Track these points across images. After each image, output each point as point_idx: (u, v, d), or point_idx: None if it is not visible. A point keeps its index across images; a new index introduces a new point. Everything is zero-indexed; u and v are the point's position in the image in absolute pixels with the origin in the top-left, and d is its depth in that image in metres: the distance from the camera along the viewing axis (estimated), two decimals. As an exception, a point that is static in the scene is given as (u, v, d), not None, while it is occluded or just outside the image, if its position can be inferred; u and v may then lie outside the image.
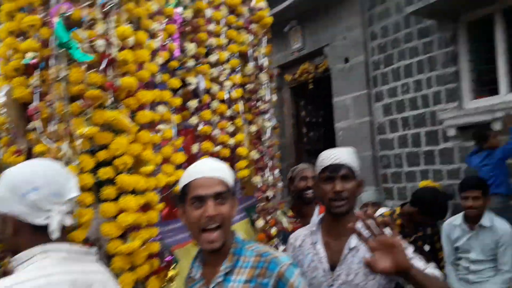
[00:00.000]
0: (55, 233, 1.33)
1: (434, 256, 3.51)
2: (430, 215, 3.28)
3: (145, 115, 1.93)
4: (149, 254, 1.86)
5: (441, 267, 3.56)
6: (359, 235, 1.67)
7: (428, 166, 5.40)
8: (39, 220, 1.33)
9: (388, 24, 5.79)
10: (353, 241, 1.96)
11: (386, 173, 5.89)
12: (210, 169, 1.54)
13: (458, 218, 3.56)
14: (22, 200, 1.31)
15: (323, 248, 1.93)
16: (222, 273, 1.52)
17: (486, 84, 5.11)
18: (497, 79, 4.94)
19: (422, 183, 4.88)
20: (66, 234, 1.45)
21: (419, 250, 3.61)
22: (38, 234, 1.34)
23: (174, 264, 1.97)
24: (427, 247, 3.50)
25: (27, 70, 1.81)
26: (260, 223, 2.62)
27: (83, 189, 1.73)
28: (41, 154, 1.78)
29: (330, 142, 6.89)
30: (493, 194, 3.96)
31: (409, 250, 1.75)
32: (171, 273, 1.94)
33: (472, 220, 3.44)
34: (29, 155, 1.94)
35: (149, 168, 1.91)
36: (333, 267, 1.88)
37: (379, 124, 5.93)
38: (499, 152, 4.48)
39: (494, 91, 5.01)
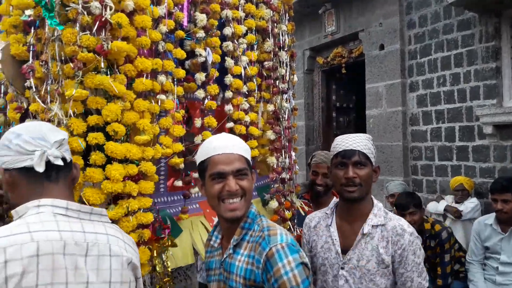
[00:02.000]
0: (38, 167, 1.29)
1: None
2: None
3: (143, 83, 1.86)
4: (140, 224, 1.81)
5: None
6: None
7: (461, 162, 5.14)
8: (25, 163, 1.30)
9: (427, 13, 5.47)
10: (367, 227, 1.90)
11: (416, 164, 5.66)
12: (230, 145, 1.50)
13: (490, 218, 3.52)
14: (8, 150, 1.30)
15: (337, 231, 1.94)
16: (231, 245, 1.52)
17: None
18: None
19: (455, 179, 4.72)
20: (71, 192, 1.41)
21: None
22: (33, 187, 1.31)
23: (168, 236, 1.91)
24: None
25: (25, 28, 1.77)
26: (273, 204, 2.54)
27: (73, 152, 1.68)
28: (35, 113, 1.74)
29: (360, 129, 6.69)
30: None
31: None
32: (166, 244, 1.88)
33: (505, 222, 3.37)
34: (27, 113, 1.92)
35: (143, 137, 1.85)
36: (345, 251, 1.89)
37: (412, 115, 5.67)
38: None
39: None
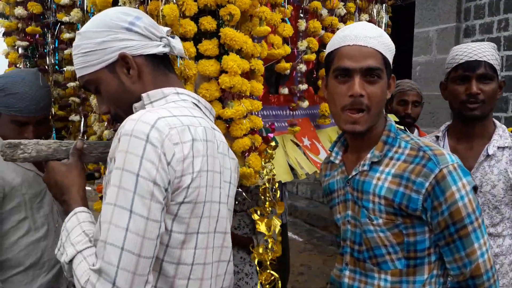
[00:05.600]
0: (180, 51, 1.21)
1: None
2: None
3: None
4: (251, 129, 1.56)
5: None
6: None
7: (517, 116, 4.87)
8: (155, 49, 1.15)
9: (492, -51, 5.04)
10: (492, 148, 1.68)
11: (463, 116, 5.38)
12: (364, 36, 1.20)
13: None
14: (131, 33, 1.12)
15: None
16: (368, 161, 1.25)
17: None
18: None
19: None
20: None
21: None
22: (158, 75, 1.17)
23: (274, 142, 1.66)
24: None
25: None
26: None
27: (184, 37, 1.41)
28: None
29: (403, 76, 6.36)
30: None
31: None
32: (270, 151, 1.63)
33: None
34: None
35: (263, 28, 1.56)
36: None
37: (465, 63, 5.34)
38: None
39: None
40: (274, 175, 1.62)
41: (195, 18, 1.47)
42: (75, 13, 2.00)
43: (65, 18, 2.10)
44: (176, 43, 1.21)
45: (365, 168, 1.26)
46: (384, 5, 2.38)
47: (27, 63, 2.21)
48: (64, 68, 2.20)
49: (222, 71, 1.49)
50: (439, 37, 5.50)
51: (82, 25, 2.03)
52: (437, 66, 5.52)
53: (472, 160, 1.73)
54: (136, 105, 1.15)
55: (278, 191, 1.65)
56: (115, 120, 1.32)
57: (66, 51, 2.16)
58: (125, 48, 1.12)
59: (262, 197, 1.62)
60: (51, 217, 1.91)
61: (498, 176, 1.67)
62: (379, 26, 2.38)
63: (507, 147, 1.70)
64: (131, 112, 1.14)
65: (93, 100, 1.95)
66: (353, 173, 1.29)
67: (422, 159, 1.17)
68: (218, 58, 1.50)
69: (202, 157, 1.06)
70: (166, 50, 1.18)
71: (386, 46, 1.24)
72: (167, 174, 0.98)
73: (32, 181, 1.82)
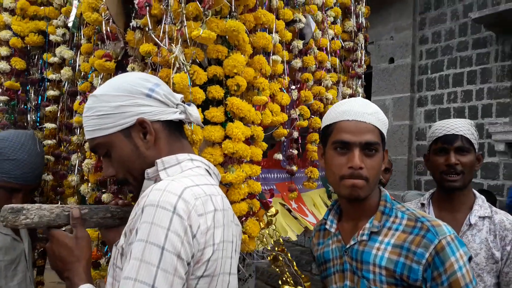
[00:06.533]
0: (197, 119, 1.22)
1: None
2: None
3: (265, 38, 1.63)
4: (250, 193, 1.56)
5: None
6: None
7: (467, 179, 5.16)
8: (172, 116, 1.15)
9: (441, 30, 5.55)
10: (474, 217, 1.76)
11: (420, 179, 5.65)
12: (362, 112, 1.26)
13: None
14: (150, 99, 1.12)
15: None
16: (367, 231, 1.27)
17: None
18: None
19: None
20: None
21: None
22: (172, 142, 1.16)
23: (272, 207, 1.66)
24: None
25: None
26: None
27: (195, 103, 1.43)
28: (147, 55, 1.47)
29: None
30: None
31: None
32: (269, 216, 1.63)
33: None
34: (121, 62, 1.64)
35: (261, 97, 1.62)
36: None
37: (419, 130, 5.69)
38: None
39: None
40: (280, 236, 1.60)
41: (202, 86, 1.50)
42: (66, 72, 1.97)
43: (52, 76, 2.07)
44: (193, 110, 1.21)
45: (364, 238, 1.26)
46: (360, 80, 2.53)
47: (7, 118, 2.13)
48: (44, 125, 2.14)
49: (226, 137, 1.51)
50: (395, 105, 5.87)
51: (72, 85, 2.01)
52: (393, 132, 5.83)
53: (455, 230, 1.80)
54: (149, 170, 1.12)
55: (293, 261, 1.63)
56: (121, 184, 1.28)
57: (47, 108, 2.10)
58: (143, 113, 1.11)
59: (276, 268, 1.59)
60: (24, 285, 1.77)
61: (480, 245, 1.73)
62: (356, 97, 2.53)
63: (487, 217, 1.79)
64: (142, 178, 1.12)
65: (75, 159, 1.90)
66: (352, 242, 1.29)
67: (421, 230, 1.20)
68: (222, 124, 1.52)
69: (221, 227, 1.04)
70: (182, 117, 1.18)
71: (382, 122, 1.30)
72: (191, 248, 0.95)
73: (9, 247, 1.70)
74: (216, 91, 1.49)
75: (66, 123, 1.94)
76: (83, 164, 1.69)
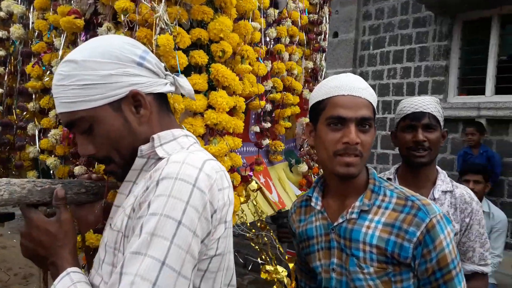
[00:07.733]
0: (190, 92, 1.12)
1: None
2: None
3: (250, 1, 1.54)
4: (231, 167, 1.50)
5: None
6: None
7: (401, 154, 5.46)
8: (164, 88, 1.05)
9: (384, 7, 5.71)
10: (437, 192, 1.85)
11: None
12: (358, 87, 1.23)
13: None
14: (141, 68, 1.00)
15: None
16: (357, 209, 1.26)
17: (469, 83, 5.24)
18: (485, 80, 5.07)
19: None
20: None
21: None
22: (162, 116, 1.06)
23: (253, 182, 1.61)
24: None
25: None
26: (303, 168, 2.32)
27: (172, 70, 1.33)
28: (123, 12, 1.32)
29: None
30: None
31: None
32: (249, 190, 1.58)
33: None
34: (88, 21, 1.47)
35: (245, 66, 1.54)
36: None
37: (359, 105, 5.87)
38: None
39: (476, 90, 5.14)
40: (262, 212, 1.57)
41: (184, 51, 1.39)
42: (16, 29, 1.75)
43: (-1, 33, 1.83)
44: (184, 82, 1.10)
45: (354, 216, 1.26)
46: (324, 54, 2.52)
47: None
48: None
49: (208, 107, 1.43)
50: (337, 80, 5.99)
51: (25, 45, 1.78)
52: (335, 106, 5.98)
53: None
54: (143, 147, 1.00)
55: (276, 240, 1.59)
56: (99, 162, 1.15)
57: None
58: (136, 85, 0.98)
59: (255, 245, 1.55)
60: None
61: None
62: (320, 73, 2.51)
63: (448, 191, 1.88)
64: (130, 156, 1.01)
65: (31, 129, 1.71)
66: (340, 220, 1.28)
67: (412, 209, 1.21)
68: (204, 93, 1.43)
69: (232, 204, 0.99)
70: (173, 89, 1.07)
71: (374, 97, 1.29)
72: (208, 224, 0.89)
73: None
74: (200, 57, 1.39)
75: (21, 88, 1.72)
76: (49, 134, 1.52)
